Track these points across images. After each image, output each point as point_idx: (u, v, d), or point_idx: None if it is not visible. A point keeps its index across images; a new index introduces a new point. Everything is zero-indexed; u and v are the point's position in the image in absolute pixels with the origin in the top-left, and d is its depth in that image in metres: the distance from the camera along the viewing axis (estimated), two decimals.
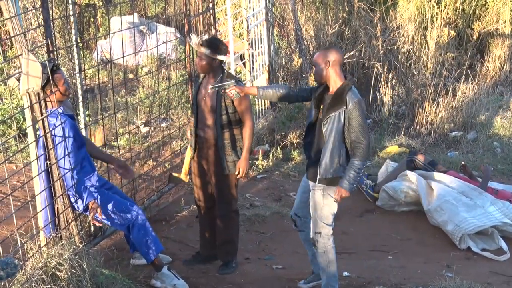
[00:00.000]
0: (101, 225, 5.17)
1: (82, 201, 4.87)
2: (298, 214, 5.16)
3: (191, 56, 7.03)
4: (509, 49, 10.83)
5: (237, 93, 4.90)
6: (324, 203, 4.82)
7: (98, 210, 4.87)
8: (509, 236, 6.36)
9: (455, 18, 11.28)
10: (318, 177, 4.74)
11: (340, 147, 4.68)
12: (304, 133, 5.02)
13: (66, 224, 4.83)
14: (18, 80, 4.64)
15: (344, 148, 4.69)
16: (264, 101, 8.87)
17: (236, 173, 5.36)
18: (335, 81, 4.71)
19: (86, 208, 4.92)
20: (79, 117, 5.63)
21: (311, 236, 4.94)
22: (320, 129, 4.71)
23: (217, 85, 5.05)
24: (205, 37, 5.26)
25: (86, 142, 5.17)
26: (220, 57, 5.21)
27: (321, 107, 4.79)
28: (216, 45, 5.20)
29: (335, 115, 4.64)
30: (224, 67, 5.36)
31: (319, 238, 4.89)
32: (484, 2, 11.49)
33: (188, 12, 6.99)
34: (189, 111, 7.18)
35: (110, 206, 5.01)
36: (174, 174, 6.08)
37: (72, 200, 4.87)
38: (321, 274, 5.04)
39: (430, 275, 5.58)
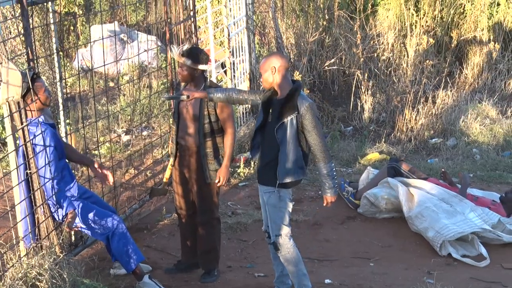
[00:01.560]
0: (76, 230, 5.14)
1: (62, 210, 4.85)
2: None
3: (172, 64, 7.03)
4: (487, 56, 10.95)
5: (186, 96, 4.92)
6: (281, 205, 4.89)
7: (76, 219, 4.86)
8: (489, 242, 6.40)
9: (434, 26, 11.39)
10: (279, 181, 4.81)
11: (296, 150, 4.78)
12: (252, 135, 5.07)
13: (47, 234, 4.80)
14: None
15: (300, 151, 4.81)
16: (246, 108, 8.89)
17: (217, 181, 5.37)
18: (283, 86, 4.80)
19: (65, 218, 4.89)
20: (59, 125, 5.60)
21: (272, 241, 4.97)
22: (273, 134, 4.78)
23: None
24: (186, 47, 5.26)
25: (66, 147, 5.15)
26: (201, 67, 5.23)
27: (270, 110, 4.86)
28: (197, 55, 5.21)
29: (287, 121, 4.74)
30: (207, 76, 5.38)
31: (280, 240, 4.93)
32: (462, 10, 11.62)
33: (169, 20, 7.00)
34: (171, 119, 7.17)
35: (91, 216, 5.00)
36: (155, 187, 6.10)
37: (53, 209, 4.84)
38: (292, 277, 5.07)
39: (411, 282, 5.61)
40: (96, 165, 5.24)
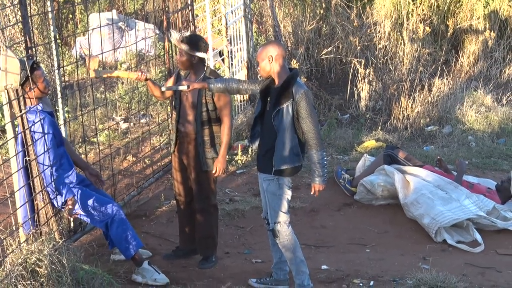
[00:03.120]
0: (76, 217, 5.19)
1: (61, 197, 4.89)
2: None
3: (170, 52, 7.05)
4: (483, 45, 10.99)
5: (187, 86, 4.95)
6: (280, 192, 4.93)
7: (76, 206, 4.90)
8: (484, 228, 6.46)
9: (430, 14, 11.42)
10: (274, 168, 4.85)
11: (292, 138, 4.82)
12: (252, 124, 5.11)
13: (46, 220, 4.84)
14: None
15: (296, 138, 4.84)
16: (243, 96, 8.92)
17: (214, 171, 5.41)
18: (280, 75, 4.83)
19: (65, 205, 4.94)
20: (58, 113, 5.64)
21: (271, 228, 5.02)
22: (270, 122, 4.83)
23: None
24: (186, 33, 5.29)
25: (66, 144, 5.19)
26: (199, 54, 5.25)
27: (268, 99, 4.91)
28: (195, 42, 5.24)
29: (283, 108, 4.77)
30: (206, 64, 5.39)
31: (279, 228, 4.98)
32: None
33: (167, 8, 7.01)
34: (169, 107, 7.22)
35: (90, 202, 5.04)
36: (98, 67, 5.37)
37: (52, 196, 4.88)
38: (289, 264, 5.12)
39: (407, 267, 5.67)
40: (88, 172, 5.29)
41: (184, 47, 5.21)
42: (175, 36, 5.23)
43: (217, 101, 5.31)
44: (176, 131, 5.48)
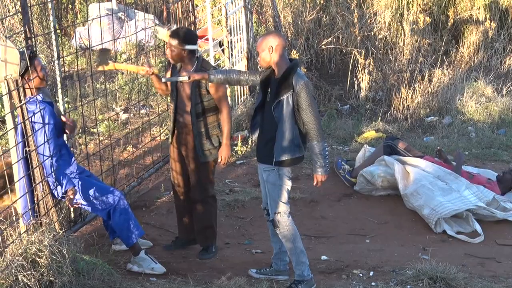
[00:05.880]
0: (77, 206, 5.20)
1: (62, 188, 4.89)
2: None
3: None
4: (483, 35, 10.96)
5: (187, 77, 4.92)
6: (280, 183, 4.93)
7: (77, 196, 4.91)
8: (483, 219, 6.48)
9: (431, 4, 11.38)
10: (275, 159, 4.84)
11: (292, 129, 4.81)
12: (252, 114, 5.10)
13: (46, 211, 4.84)
14: None
15: (297, 129, 4.83)
16: (243, 88, 8.91)
17: (219, 160, 5.40)
18: (280, 65, 4.81)
19: (65, 195, 4.94)
20: (58, 104, 5.63)
21: (271, 218, 5.02)
22: (271, 113, 4.82)
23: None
24: (173, 27, 5.27)
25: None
26: (188, 47, 5.22)
27: (269, 90, 4.90)
28: (183, 36, 5.20)
29: (283, 99, 4.76)
30: (199, 55, 5.35)
31: (279, 218, 4.97)
32: None
33: None
34: (168, 98, 7.21)
35: (91, 192, 5.04)
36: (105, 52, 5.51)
37: (52, 187, 4.89)
38: (289, 254, 5.12)
39: (406, 258, 5.69)
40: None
41: (171, 41, 5.19)
42: (162, 31, 5.21)
43: (215, 93, 5.30)
44: (174, 121, 5.47)
